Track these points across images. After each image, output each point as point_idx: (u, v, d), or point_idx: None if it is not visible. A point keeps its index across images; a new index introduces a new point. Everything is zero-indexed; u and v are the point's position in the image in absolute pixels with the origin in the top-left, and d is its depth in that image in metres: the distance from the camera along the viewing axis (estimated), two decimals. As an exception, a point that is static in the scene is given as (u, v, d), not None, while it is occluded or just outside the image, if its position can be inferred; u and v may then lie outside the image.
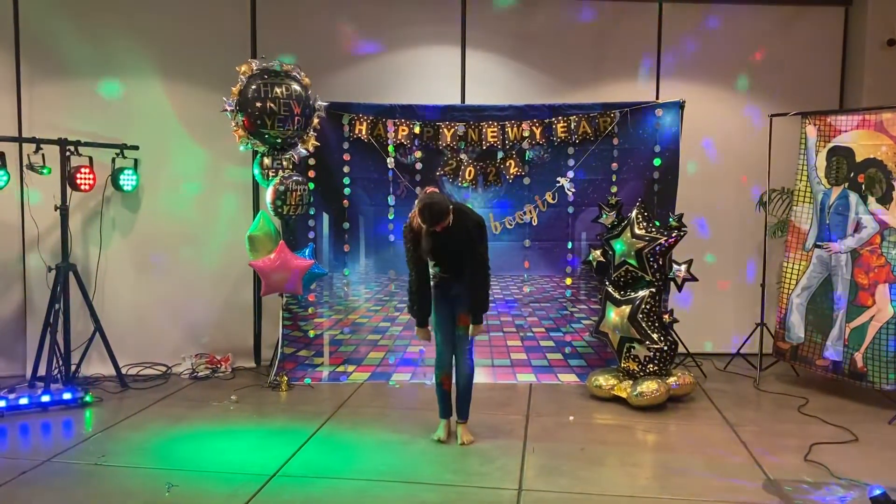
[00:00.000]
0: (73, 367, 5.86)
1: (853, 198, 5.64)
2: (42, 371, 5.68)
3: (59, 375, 5.68)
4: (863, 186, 5.57)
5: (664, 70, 6.81)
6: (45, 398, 5.35)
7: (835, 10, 6.86)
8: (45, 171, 5.62)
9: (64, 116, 6.18)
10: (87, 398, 5.49)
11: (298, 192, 5.70)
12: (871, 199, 5.51)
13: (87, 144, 5.91)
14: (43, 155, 5.63)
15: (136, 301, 6.45)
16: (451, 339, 4.77)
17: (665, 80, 6.80)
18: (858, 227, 5.59)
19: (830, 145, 5.82)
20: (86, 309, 5.94)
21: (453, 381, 4.83)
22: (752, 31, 6.83)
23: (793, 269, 6.10)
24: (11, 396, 5.31)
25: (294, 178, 5.70)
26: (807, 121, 6.02)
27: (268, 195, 5.69)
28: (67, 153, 5.77)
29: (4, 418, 5.17)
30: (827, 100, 6.72)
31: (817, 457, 4.51)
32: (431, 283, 4.73)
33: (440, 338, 4.79)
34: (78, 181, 5.82)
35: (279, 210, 5.67)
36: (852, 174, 5.65)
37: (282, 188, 5.61)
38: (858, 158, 5.61)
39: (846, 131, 5.71)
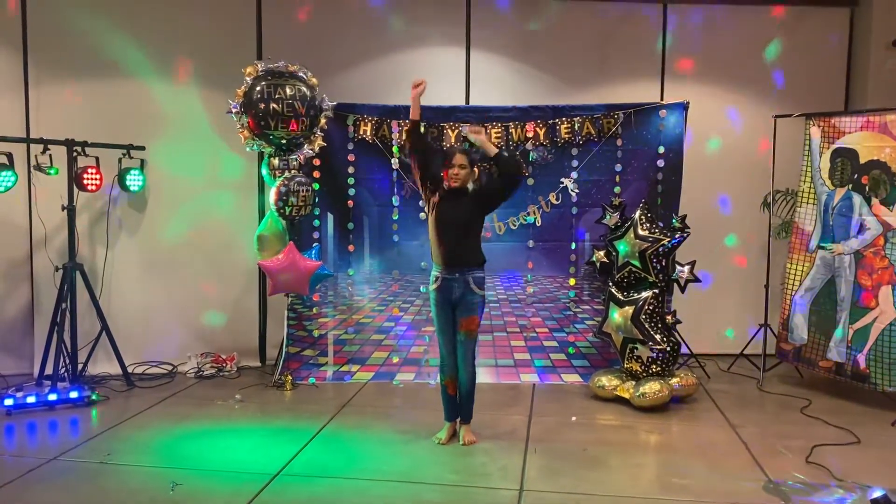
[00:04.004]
0: (79, 366, 5.91)
1: (857, 199, 5.63)
2: (49, 370, 5.74)
3: (65, 374, 5.73)
4: (867, 188, 5.57)
5: (668, 71, 6.82)
6: (52, 396, 5.39)
7: (840, 11, 6.85)
8: (52, 171, 5.67)
9: (71, 117, 6.21)
10: (94, 397, 5.54)
11: (302, 193, 5.70)
12: (875, 201, 5.51)
13: (93, 145, 5.95)
14: (50, 155, 5.66)
15: (142, 300, 6.49)
16: (453, 344, 4.77)
17: (669, 81, 6.81)
18: (862, 229, 5.59)
19: (834, 147, 5.82)
20: (92, 308, 5.99)
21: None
22: (756, 32, 6.83)
23: (796, 270, 6.09)
24: (19, 395, 5.36)
25: (297, 179, 5.69)
26: (811, 122, 6.01)
27: (270, 196, 5.71)
28: (74, 154, 5.81)
29: (12, 416, 5.22)
30: (831, 101, 6.71)
31: (819, 459, 4.50)
32: (432, 286, 4.73)
33: (443, 342, 4.80)
34: (84, 181, 5.87)
35: (282, 211, 5.69)
36: (856, 176, 5.64)
37: (284, 189, 5.63)
38: (862, 160, 5.59)
39: (850, 133, 5.71)
